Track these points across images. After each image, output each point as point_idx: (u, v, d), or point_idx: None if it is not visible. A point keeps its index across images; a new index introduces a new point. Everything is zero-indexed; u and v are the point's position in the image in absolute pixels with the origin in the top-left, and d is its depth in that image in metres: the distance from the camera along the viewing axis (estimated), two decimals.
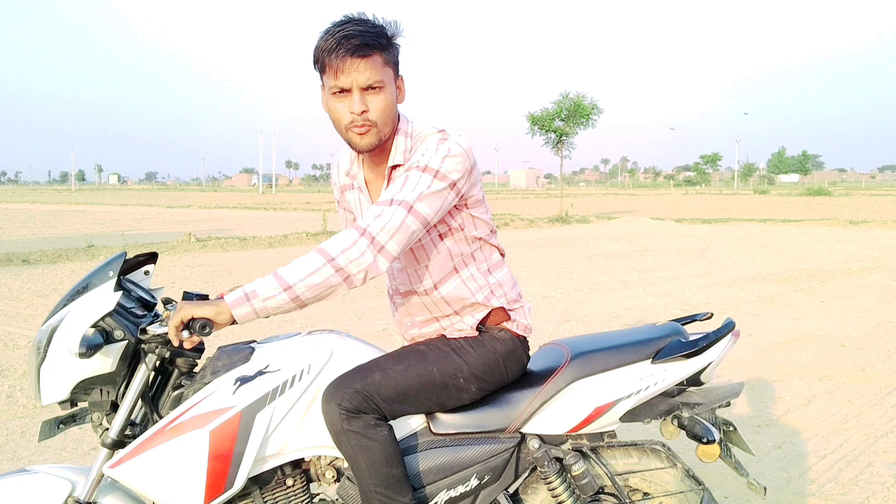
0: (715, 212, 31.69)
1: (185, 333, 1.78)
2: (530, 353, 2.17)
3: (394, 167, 1.99)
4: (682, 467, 2.10)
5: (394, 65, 1.94)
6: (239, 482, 1.87)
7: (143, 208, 39.43)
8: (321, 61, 1.89)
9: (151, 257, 2.17)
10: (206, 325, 1.76)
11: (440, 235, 2.01)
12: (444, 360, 1.99)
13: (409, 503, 1.90)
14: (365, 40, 1.85)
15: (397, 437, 1.97)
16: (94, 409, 1.97)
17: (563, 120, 25.96)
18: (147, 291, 2.14)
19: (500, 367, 2.04)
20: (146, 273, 2.16)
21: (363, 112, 1.88)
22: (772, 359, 6.08)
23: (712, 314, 2.31)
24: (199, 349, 2.04)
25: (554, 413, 2.03)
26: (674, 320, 2.23)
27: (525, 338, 2.12)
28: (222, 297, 1.80)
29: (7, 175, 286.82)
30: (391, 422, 1.96)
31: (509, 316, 2.08)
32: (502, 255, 2.16)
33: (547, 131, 26.33)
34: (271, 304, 1.77)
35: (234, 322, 1.83)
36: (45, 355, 1.88)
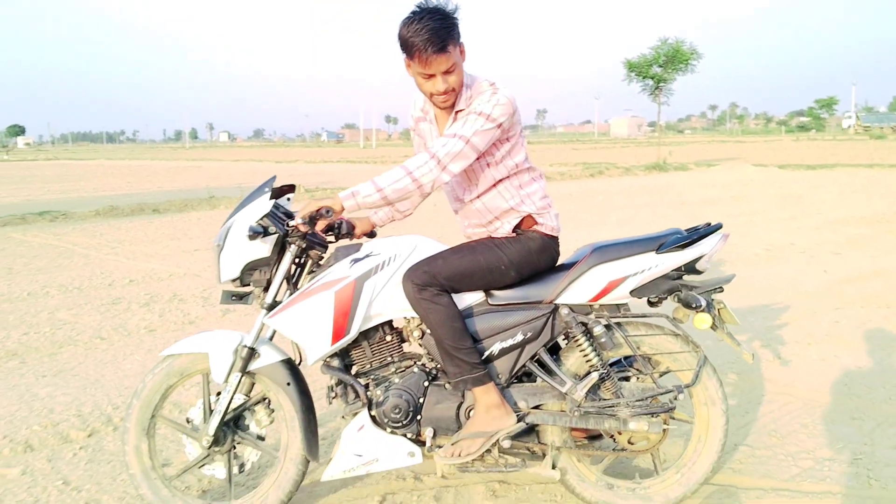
0: (824, 158, 30.57)
1: (307, 221, 2.57)
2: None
3: (458, 111, 2.69)
4: (683, 334, 2.74)
5: (460, 42, 2.61)
6: (354, 330, 2.65)
7: (254, 164, 41.36)
8: (410, 52, 2.54)
9: (291, 187, 2.96)
10: (329, 210, 2.53)
11: (487, 164, 2.73)
12: (489, 252, 2.72)
13: (469, 347, 2.64)
14: (442, 38, 2.50)
15: (464, 307, 2.72)
16: (255, 285, 2.77)
17: (662, 66, 25.63)
18: (288, 211, 2.91)
19: (532, 259, 2.75)
20: (288, 199, 2.95)
21: (446, 89, 2.61)
22: (840, 290, 6.42)
23: (719, 224, 2.84)
24: (325, 245, 2.84)
25: (578, 287, 2.70)
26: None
27: (555, 237, 2.81)
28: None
29: (125, 134, 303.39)
30: (458, 295, 2.71)
31: (537, 221, 2.78)
32: (540, 175, 2.85)
33: (644, 77, 26.09)
34: (368, 200, 2.53)
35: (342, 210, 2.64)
36: (224, 245, 2.69)
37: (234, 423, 2.86)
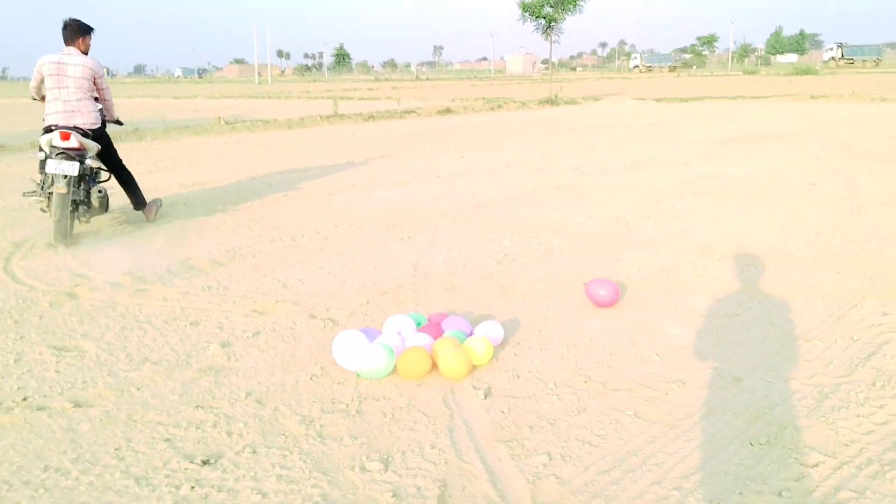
0: (696, 92, 33.52)
1: None
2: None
3: None
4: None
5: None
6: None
7: (152, 99, 40.82)
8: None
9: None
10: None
11: None
12: None
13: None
14: None
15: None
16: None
17: (553, 6, 27.51)
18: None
19: None
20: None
21: None
22: (681, 187, 8.53)
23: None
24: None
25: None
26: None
27: (49, 127, 6.23)
28: None
29: None
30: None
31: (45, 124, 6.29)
32: (52, 100, 6.21)
33: (537, 17, 27.92)
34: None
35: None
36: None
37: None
